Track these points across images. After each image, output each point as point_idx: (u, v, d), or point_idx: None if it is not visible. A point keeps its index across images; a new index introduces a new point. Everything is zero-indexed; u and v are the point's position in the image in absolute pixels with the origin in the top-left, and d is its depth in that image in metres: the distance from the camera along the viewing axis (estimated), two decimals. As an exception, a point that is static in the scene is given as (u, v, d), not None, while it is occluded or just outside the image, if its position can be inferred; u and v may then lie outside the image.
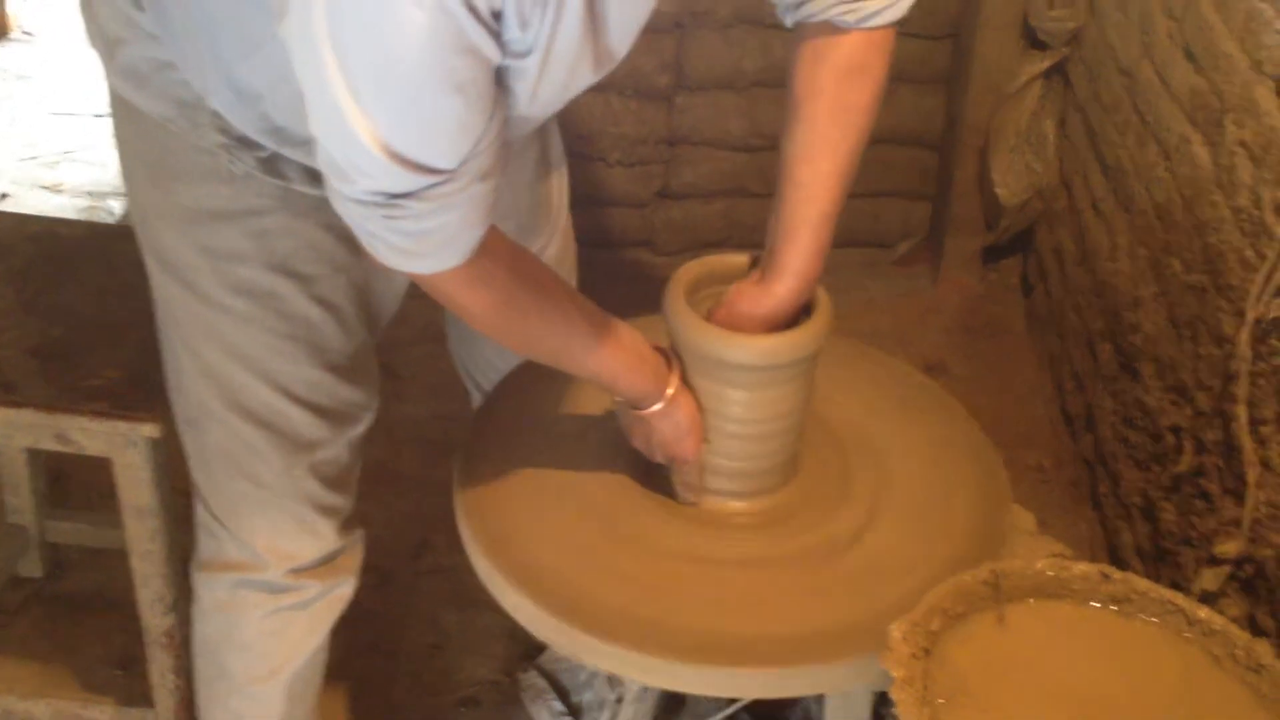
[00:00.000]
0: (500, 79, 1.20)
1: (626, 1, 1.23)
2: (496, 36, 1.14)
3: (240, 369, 1.52)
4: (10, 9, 4.10)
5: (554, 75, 1.23)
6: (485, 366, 1.98)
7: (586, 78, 1.29)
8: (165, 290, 1.54)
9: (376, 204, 1.18)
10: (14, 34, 4.09)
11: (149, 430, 1.72)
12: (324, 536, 1.62)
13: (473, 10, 1.09)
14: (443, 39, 1.09)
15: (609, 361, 1.42)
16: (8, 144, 3.56)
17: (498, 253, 1.30)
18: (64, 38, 4.00)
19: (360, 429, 1.63)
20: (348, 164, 1.16)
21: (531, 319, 1.37)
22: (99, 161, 3.43)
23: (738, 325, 1.46)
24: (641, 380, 1.44)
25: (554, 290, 1.40)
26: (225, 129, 1.40)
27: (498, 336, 1.43)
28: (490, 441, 1.58)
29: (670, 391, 1.44)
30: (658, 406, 1.44)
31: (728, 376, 1.43)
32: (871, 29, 1.42)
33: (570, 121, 1.90)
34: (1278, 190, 1.72)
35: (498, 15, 1.13)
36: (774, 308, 1.46)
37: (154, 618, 1.91)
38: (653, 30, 2.83)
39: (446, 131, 1.16)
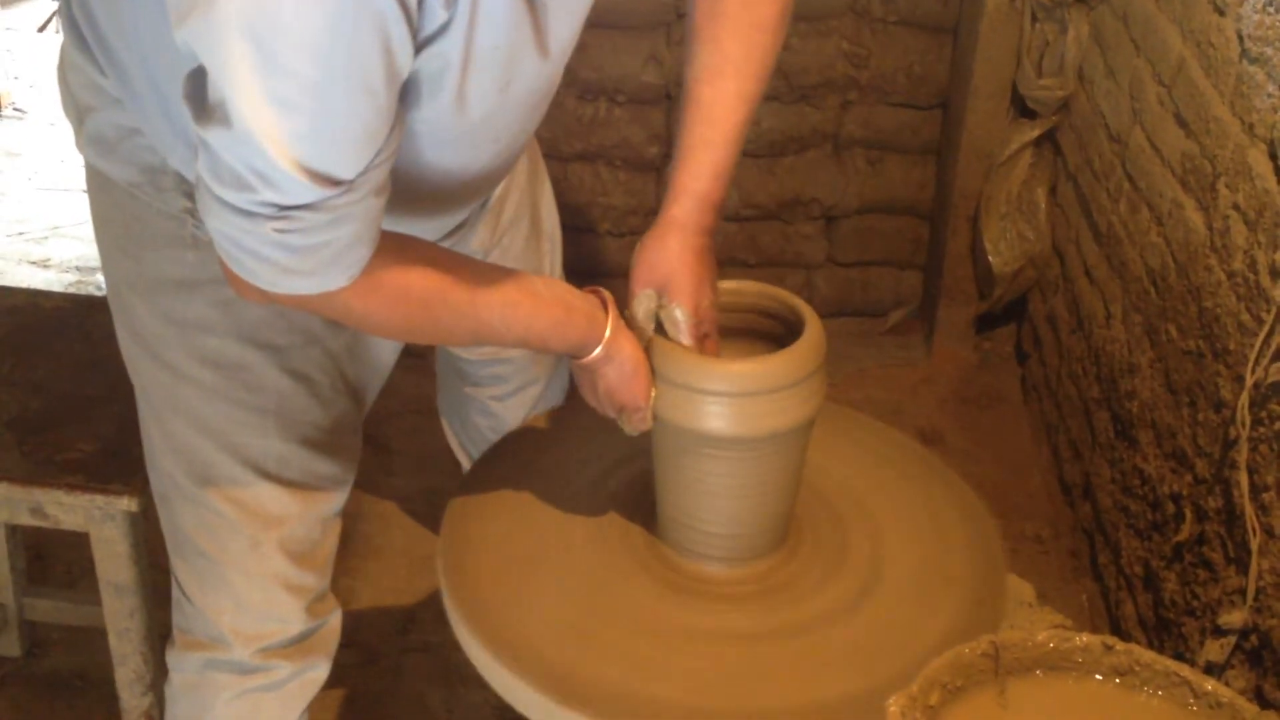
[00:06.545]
0: (413, 85, 1.18)
1: None
2: (414, 36, 1.12)
3: (207, 442, 1.49)
4: (2, 87, 4.13)
5: (487, 46, 1.19)
6: (477, 437, 1.96)
7: (533, 63, 1.26)
8: (136, 362, 1.52)
9: (266, 216, 1.13)
10: (6, 111, 4.12)
11: (126, 504, 1.70)
12: (291, 616, 1.57)
13: (403, 5, 1.07)
14: (366, 33, 1.06)
15: (532, 324, 1.36)
16: (-4, 220, 3.57)
17: (383, 251, 1.23)
18: (55, 115, 4.02)
19: (333, 505, 1.59)
20: (248, 171, 1.11)
21: (436, 309, 1.30)
22: (87, 237, 3.42)
23: (653, 267, 1.41)
24: (573, 331, 1.37)
25: (453, 267, 1.32)
26: (190, 193, 1.38)
27: (408, 337, 1.37)
28: (476, 513, 1.54)
29: (607, 334, 1.38)
30: (598, 352, 1.38)
31: (709, 409, 1.38)
32: None
33: (559, 192, 1.89)
34: (1273, 254, 1.70)
35: (422, 2, 1.11)
36: (681, 237, 1.41)
37: (132, 697, 1.88)
38: (640, 101, 2.87)
39: (352, 138, 1.12)
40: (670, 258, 1.41)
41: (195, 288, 1.44)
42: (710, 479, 1.42)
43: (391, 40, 1.09)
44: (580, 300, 1.39)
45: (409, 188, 1.31)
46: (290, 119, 1.08)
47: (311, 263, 1.17)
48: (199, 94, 1.12)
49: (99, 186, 1.49)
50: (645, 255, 1.43)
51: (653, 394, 1.40)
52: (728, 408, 1.37)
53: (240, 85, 1.06)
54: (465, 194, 1.51)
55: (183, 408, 1.48)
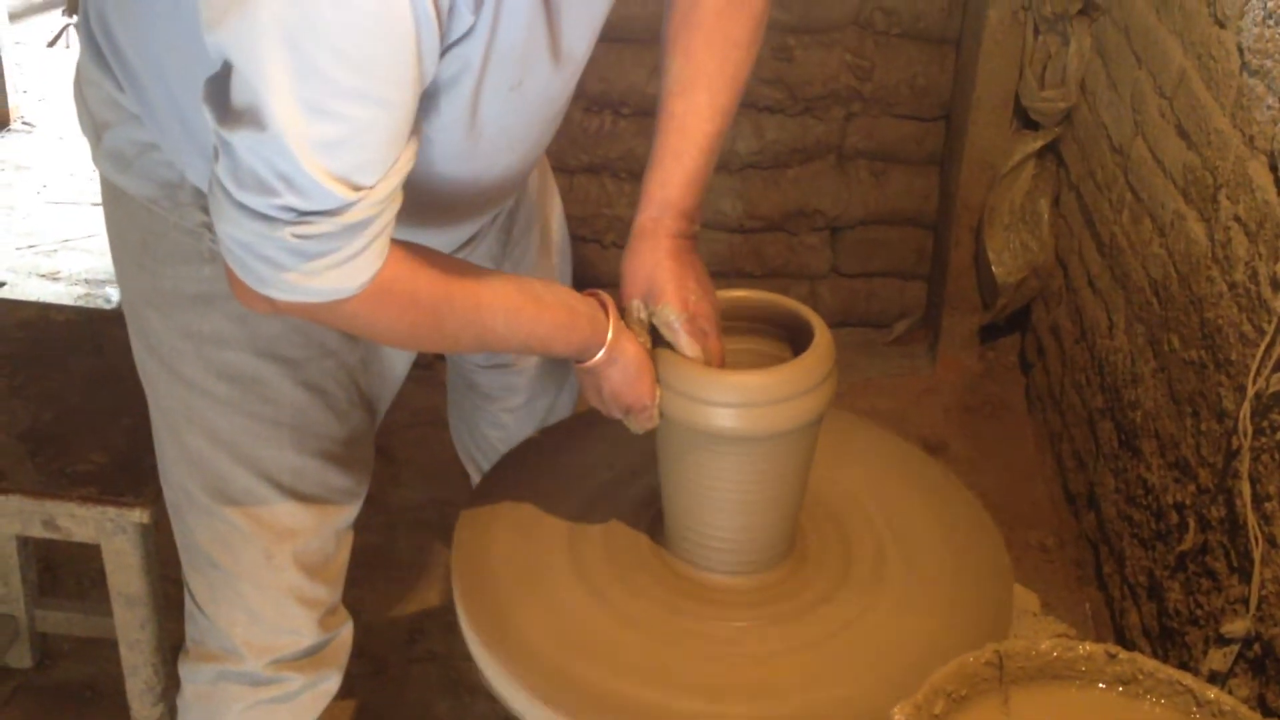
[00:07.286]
0: (431, 89, 1.19)
1: None
2: (441, 42, 1.14)
3: (222, 455, 1.49)
4: (12, 100, 4.15)
5: (504, 47, 1.21)
6: (487, 449, 1.96)
7: (544, 67, 1.28)
8: (151, 375, 1.53)
9: (286, 220, 1.14)
10: (15, 125, 4.13)
11: (138, 516, 1.71)
12: (304, 628, 1.58)
13: (436, 13, 1.09)
14: (401, 42, 1.08)
15: (536, 329, 1.36)
16: (6, 233, 3.58)
17: (390, 259, 1.24)
18: (64, 129, 4.05)
19: (346, 518, 1.60)
20: (271, 174, 1.11)
21: (442, 315, 1.31)
22: (97, 250, 3.44)
23: (633, 276, 1.43)
24: (576, 334, 1.38)
25: (457, 274, 1.32)
26: (207, 208, 1.39)
27: (413, 345, 1.36)
28: (487, 524, 1.55)
29: (610, 336, 1.39)
30: (601, 355, 1.39)
31: (717, 414, 1.38)
32: None
33: (565, 203, 1.90)
34: (1274, 265, 1.71)
35: (452, 8, 1.13)
36: (651, 242, 1.42)
37: (143, 708, 1.89)
38: (646, 114, 2.88)
39: (377, 144, 1.14)
40: (645, 263, 1.43)
41: (212, 302, 1.45)
42: (716, 479, 1.43)
43: (422, 45, 1.11)
44: (582, 304, 1.40)
45: (423, 199, 1.32)
46: (321, 124, 1.09)
47: (325, 269, 1.18)
48: (221, 96, 1.12)
49: (115, 201, 1.49)
50: (625, 269, 1.44)
51: (657, 393, 1.41)
52: (738, 414, 1.38)
53: (274, 89, 1.07)
54: (478, 206, 1.52)
55: (198, 421, 1.49)
